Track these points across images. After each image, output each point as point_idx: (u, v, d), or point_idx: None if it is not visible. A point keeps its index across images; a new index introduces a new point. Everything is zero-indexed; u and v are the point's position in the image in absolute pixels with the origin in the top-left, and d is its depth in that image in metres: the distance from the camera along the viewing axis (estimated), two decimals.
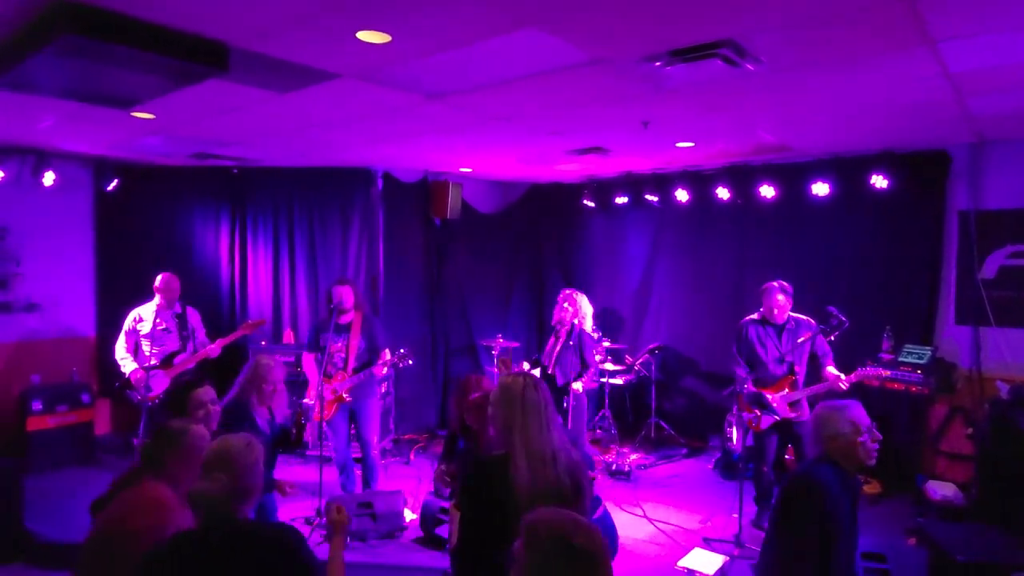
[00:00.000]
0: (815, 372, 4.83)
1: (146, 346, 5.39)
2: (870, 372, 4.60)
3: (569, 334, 5.46)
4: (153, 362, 5.36)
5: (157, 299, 5.49)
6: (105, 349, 6.79)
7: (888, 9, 2.59)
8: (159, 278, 5.52)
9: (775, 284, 4.79)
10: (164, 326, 5.48)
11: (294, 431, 3.70)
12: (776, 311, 4.75)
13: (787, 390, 4.69)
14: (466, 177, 7.49)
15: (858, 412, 2.61)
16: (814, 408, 2.80)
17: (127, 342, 5.44)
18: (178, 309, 5.58)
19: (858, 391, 4.65)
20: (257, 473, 2.13)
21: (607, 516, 3.01)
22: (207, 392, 3.08)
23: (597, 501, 2.85)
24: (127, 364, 5.38)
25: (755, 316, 4.91)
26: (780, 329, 4.79)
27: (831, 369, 4.69)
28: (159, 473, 2.42)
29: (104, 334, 6.82)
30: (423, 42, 2.98)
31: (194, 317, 5.70)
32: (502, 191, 8.27)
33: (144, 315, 5.47)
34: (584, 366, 5.42)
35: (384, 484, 5.49)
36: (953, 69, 3.34)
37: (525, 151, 5.73)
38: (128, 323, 5.47)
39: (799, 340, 4.71)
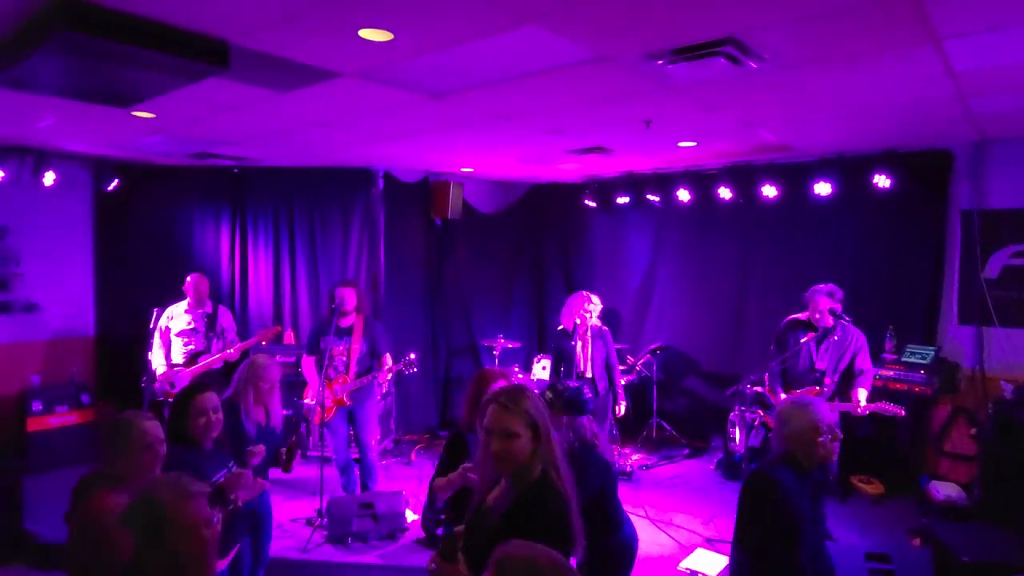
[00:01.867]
0: (847, 382, 4.77)
1: (178, 344, 5.56)
2: (890, 408, 4.53)
3: (586, 334, 5.42)
4: (180, 360, 5.49)
5: (188, 299, 5.65)
6: (105, 349, 6.80)
7: (892, 5, 2.57)
8: (188, 279, 5.68)
9: (822, 287, 4.69)
10: (193, 325, 5.60)
11: (284, 455, 3.59)
12: (818, 315, 4.67)
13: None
14: (467, 177, 7.48)
15: (822, 410, 2.65)
16: (782, 406, 2.82)
17: (161, 341, 5.56)
18: (208, 309, 5.73)
19: None
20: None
21: (632, 528, 3.04)
22: (209, 399, 2.94)
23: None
24: (157, 362, 5.50)
25: (801, 317, 4.84)
26: (823, 335, 4.70)
27: (861, 391, 4.61)
28: (111, 472, 2.34)
29: (104, 334, 6.82)
30: (425, 40, 2.97)
31: (225, 317, 5.81)
32: (503, 191, 8.26)
33: (175, 314, 5.63)
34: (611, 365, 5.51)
35: (385, 485, 5.48)
36: (957, 67, 3.32)
37: (526, 150, 5.72)
38: (162, 321, 5.58)
39: (802, 340, 4.67)
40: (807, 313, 4.81)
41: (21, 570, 4.17)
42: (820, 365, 4.68)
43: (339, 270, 6.80)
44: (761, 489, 2.60)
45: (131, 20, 2.69)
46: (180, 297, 5.71)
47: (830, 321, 4.68)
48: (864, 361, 4.69)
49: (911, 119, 4.50)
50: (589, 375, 5.35)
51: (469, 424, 2.99)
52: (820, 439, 2.57)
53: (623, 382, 6.85)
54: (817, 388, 4.67)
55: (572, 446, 2.84)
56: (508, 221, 8.14)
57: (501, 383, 2.94)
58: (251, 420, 3.43)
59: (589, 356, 5.35)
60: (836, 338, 4.69)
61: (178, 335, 5.57)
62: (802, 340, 4.70)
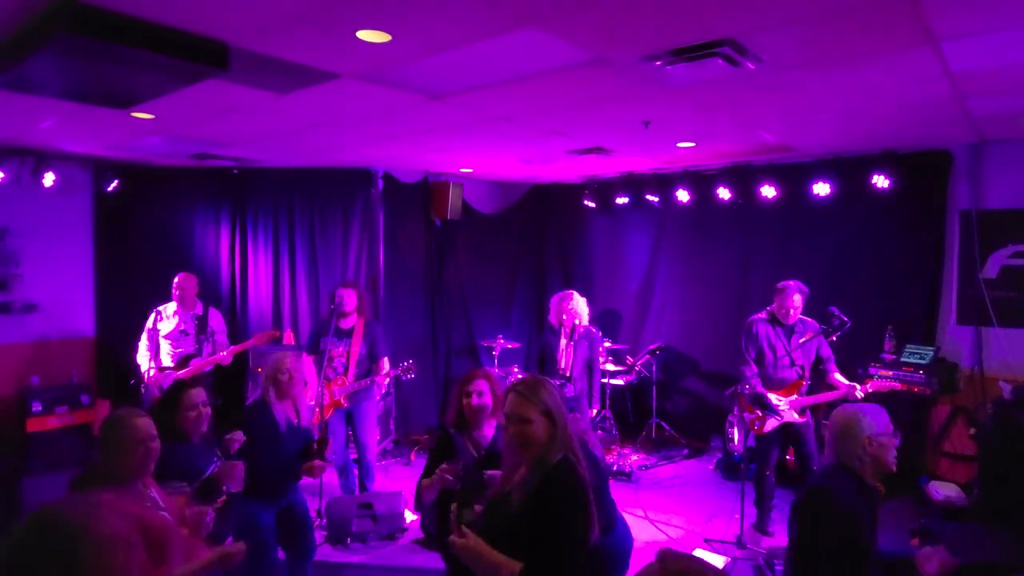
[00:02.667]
0: (817, 376, 4.81)
1: (167, 347, 5.46)
2: (885, 385, 4.58)
3: (571, 334, 5.43)
4: (169, 363, 5.41)
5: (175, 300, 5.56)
6: (105, 350, 6.80)
7: (890, 7, 2.58)
8: (175, 279, 5.57)
9: (792, 284, 4.70)
10: (183, 327, 5.52)
11: (315, 446, 3.66)
12: (791, 311, 4.69)
13: (796, 396, 4.66)
14: (467, 177, 7.48)
15: (883, 417, 2.47)
16: (833, 412, 2.65)
17: (149, 342, 5.46)
18: (199, 311, 5.62)
19: None
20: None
21: (626, 532, 3.04)
22: (199, 394, 2.99)
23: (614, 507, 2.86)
24: (144, 364, 5.42)
25: (763, 315, 4.85)
26: (790, 330, 4.73)
27: (839, 377, 4.64)
28: (105, 469, 2.36)
29: (104, 335, 6.83)
30: (424, 42, 2.97)
31: (215, 319, 5.72)
32: (503, 191, 8.26)
33: (165, 315, 5.53)
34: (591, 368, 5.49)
35: (385, 485, 5.48)
36: (954, 68, 3.33)
37: (526, 151, 5.73)
38: (149, 322, 5.50)
39: (802, 340, 4.70)
40: (771, 308, 4.81)
41: None
42: (800, 360, 4.70)
43: (339, 271, 6.81)
44: (827, 508, 2.37)
45: (131, 22, 2.70)
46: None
47: (796, 318, 4.72)
48: (826, 348, 4.75)
49: (909, 120, 4.51)
50: (569, 375, 5.35)
51: (454, 422, 3.05)
52: (896, 442, 2.41)
53: (621, 382, 6.89)
54: (802, 382, 4.69)
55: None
56: (508, 221, 8.14)
57: (480, 383, 3.01)
58: (281, 417, 3.45)
59: (572, 356, 5.36)
60: (799, 329, 4.73)
61: (166, 337, 5.48)
62: (802, 340, 4.70)
